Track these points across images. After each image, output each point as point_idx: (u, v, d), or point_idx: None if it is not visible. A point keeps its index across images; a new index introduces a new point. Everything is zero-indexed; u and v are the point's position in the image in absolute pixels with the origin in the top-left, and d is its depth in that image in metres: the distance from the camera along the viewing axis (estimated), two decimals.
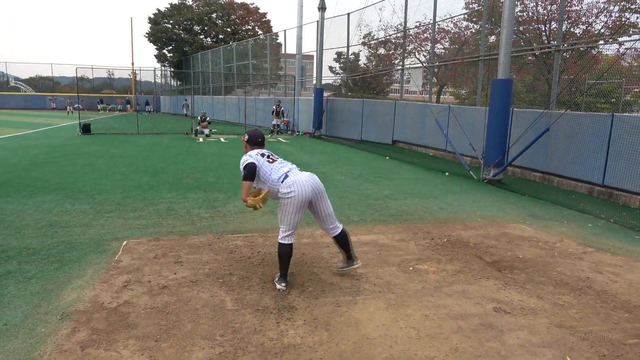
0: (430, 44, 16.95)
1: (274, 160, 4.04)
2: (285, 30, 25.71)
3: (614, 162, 8.59)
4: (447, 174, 10.96)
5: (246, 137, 4.22)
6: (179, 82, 45.09)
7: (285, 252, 3.94)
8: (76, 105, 24.98)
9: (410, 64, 18.35)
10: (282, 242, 3.94)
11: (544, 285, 4.18)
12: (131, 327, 3.21)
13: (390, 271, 4.42)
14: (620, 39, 12.04)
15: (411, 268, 4.52)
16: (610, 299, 3.90)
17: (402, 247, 5.23)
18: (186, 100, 38.77)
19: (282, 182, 3.87)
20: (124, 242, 5.13)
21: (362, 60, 22.85)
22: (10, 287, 3.87)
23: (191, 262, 4.53)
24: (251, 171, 3.86)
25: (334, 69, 25.34)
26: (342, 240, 4.19)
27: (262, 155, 4.06)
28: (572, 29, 14.12)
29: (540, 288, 4.10)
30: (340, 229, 4.17)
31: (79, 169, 10.36)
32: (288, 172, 3.95)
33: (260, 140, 4.21)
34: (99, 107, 43.57)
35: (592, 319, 3.51)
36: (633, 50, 10.49)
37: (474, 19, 16.48)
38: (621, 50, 11.40)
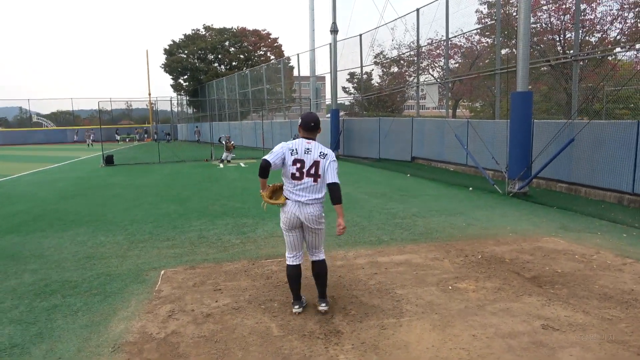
0: (443, 60, 17.05)
1: (301, 175, 3.73)
2: (298, 54, 26.19)
3: None
4: (470, 189, 10.90)
5: (299, 120, 3.94)
6: (195, 110, 45.95)
7: (287, 273, 3.95)
8: (92, 136, 25.70)
9: (424, 80, 18.46)
10: (286, 262, 3.98)
11: (588, 299, 4.12)
12: (183, 357, 3.25)
13: (429, 291, 4.40)
14: (638, 45, 11.98)
15: (450, 287, 4.50)
16: None
17: (437, 265, 5.21)
18: (197, 127, 40.20)
19: (285, 202, 3.81)
20: (162, 272, 5.21)
21: (376, 79, 23.08)
22: (59, 321, 3.96)
23: (230, 289, 4.58)
24: (262, 170, 3.75)
25: (347, 89, 25.60)
26: (319, 270, 3.96)
27: (294, 152, 3.76)
28: (587, 38, 14.10)
29: (585, 303, 4.04)
30: (322, 258, 3.99)
31: (107, 200, 10.58)
32: (291, 197, 3.77)
33: (312, 125, 3.85)
34: (117, 137, 44.54)
35: None
36: None
37: (487, 33, 16.57)
38: (639, 55, 11.34)
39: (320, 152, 3.80)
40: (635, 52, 11.74)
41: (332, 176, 3.72)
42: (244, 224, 7.62)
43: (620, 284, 4.50)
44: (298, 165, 3.74)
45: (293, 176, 3.74)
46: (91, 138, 39.62)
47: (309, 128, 3.85)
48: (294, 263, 3.93)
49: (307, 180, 3.75)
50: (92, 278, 5.09)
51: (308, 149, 3.79)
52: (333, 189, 3.68)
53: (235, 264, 5.46)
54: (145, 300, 4.37)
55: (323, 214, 3.86)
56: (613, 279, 4.63)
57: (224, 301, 4.26)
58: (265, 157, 3.75)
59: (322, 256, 4.00)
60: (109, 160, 19.90)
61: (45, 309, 4.25)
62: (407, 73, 20.36)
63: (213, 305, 4.16)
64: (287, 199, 3.79)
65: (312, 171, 3.75)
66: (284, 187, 3.85)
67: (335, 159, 3.83)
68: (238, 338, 3.50)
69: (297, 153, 3.78)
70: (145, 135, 45.63)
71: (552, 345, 3.27)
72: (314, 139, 3.87)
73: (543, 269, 5.01)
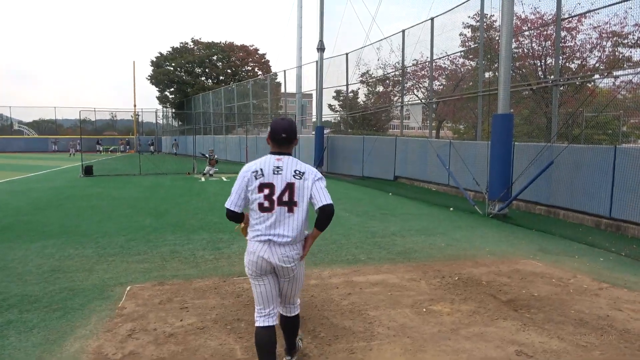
0: (428, 81, 17.23)
1: (271, 204, 2.81)
2: (285, 71, 26.27)
3: (620, 194, 8.53)
4: (451, 209, 10.88)
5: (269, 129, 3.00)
6: (180, 123, 45.66)
7: (256, 339, 2.92)
8: (78, 146, 25.22)
9: (409, 100, 18.62)
10: (255, 322, 2.98)
11: (564, 325, 4.04)
12: None
13: (403, 313, 4.28)
14: (615, 73, 12.25)
15: (425, 309, 4.38)
16: (634, 338, 3.75)
17: (413, 286, 5.10)
18: (175, 140, 41.78)
19: (250, 240, 2.92)
20: (128, 288, 5.00)
21: (361, 98, 23.23)
22: (11, 338, 3.73)
23: (197, 308, 4.39)
24: (232, 219, 3.00)
25: (333, 107, 25.70)
26: (290, 326, 3.18)
27: (258, 175, 2.83)
28: (567, 64, 14.39)
29: (561, 328, 3.95)
30: (296, 313, 3.17)
31: (82, 211, 10.28)
32: (260, 235, 2.84)
33: (284, 136, 2.88)
34: (98, 148, 43.92)
35: None
36: (629, 83, 10.63)
37: (470, 56, 16.83)
38: (616, 83, 11.58)
39: (295, 171, 2.82)
40: (612, 80, 11.99)
41: (321, 197, 2.81)
42: (220, 240, 7.43)
43: (596, 309, 4.44)
44: (266, 191, 2.81)
45: (261, 207, 2.81)
46: (76, 148, 38.98)
47: (279, 140, 2.89)
48: (266, 324, 2.92)
49: (280, 211, 2.80)
50: (54, 293, 4.85)
51: (278, 167, 2.83)
52: (326, 211, 2.80)
53: (206, 280, 5.27)
54: (107, 317, 4.16)
55: (300, 256, 2.92)
56: (589, 304, 4.57)
57: (189, 320, 4.07)
58: (226, 203, 2.92)
59: (296, 311, 3.16)
60: (88, 171, 19.51)
61: None
62: (392, 92, 20.54)
63: (177, 325, 3.97)
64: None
65: (286, 197, 2.80)
66: (250, 221, 2.93)
67: (320, 176, 2.91)
68: None
69: (262, 175, 2.83)
70: (128, 147, 45.06)
71: None
72: (287, 153, 2.92)
73: (520, 292, 4.93)
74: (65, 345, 3.58)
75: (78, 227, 8.46)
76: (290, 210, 2.81)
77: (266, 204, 2.81)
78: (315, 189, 2.83)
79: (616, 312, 4.34)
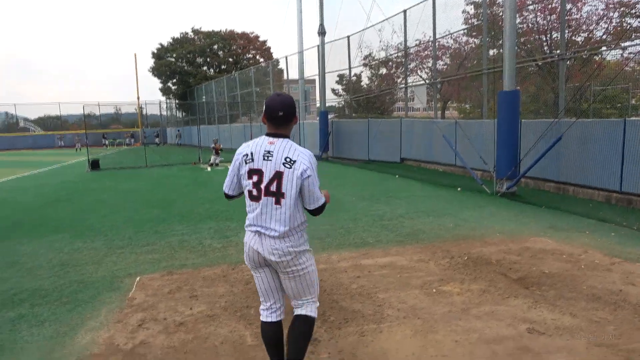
0: (431, 61, 17.00)
1: (259, 192, 2.54)
2: (286, 57, 26.02)
3: (631, 168, 8.40)
4: (459, 189, 10.79)
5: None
6: (184, 113, 45.62)
7: (262, 334, 2.79)
8: (86, 142, 25.26)
9: (413, 81, 18.40)
10: (260, 316, 2.82)
11: (576, 301, 3.99)
12: None
13: (413, 294, 4.25)
14: (623, 44, 11.99)
15: (434, 290, 4.35)
16: None
17: (422, 267, 5.07)
18: (179, 131, 42.87)
19: (245, 229, 2.69)
20: (137, 278, 5.01)
21: (365, 81, 23.00)
22: (23, 332, 3.76)
23: (206, 296, 4.40)
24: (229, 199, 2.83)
25: (336, 91, 25.49)
26: (295, 327, 2.71)
27: (248, 159, 2.58)
28: (573, 37, 14.10)
29: (572, 304, 3.91)
30: (305, 313, 2.72)
31: (90, 205, 10.33)
32: (251, 225, 2.62)
33: (280, 114, 2.54)
34: (104, 142, 44.08)
35: (632, 335, 3.31)
36: (637, 54, 10.40)
37: (474, 34, 16.55)
38: (624, 55, 11.34)
39: (286, 158, 2.49)
40: (620, 51, 11.74)
41: (310, 199, 2.54)
42: (228, 228, 7.43)
43: (609, 284, 4.38)
44: (255, 178, 2.54)
45: (250, 195, 2.57)
46: (82, 143, 39.10)
47: (276, 119, 2.55)
48: (269, 319, 2.73)
49: (267, 201, 2.52)
50: (64, 286, 4.88)
51: (269, 152, 2.52)
52: (314, 212, 2.62)
53: (215, 269, 5.27)
54: (117, 309, 4.17)
55: (302, 249, 2.60)
56: (601, 279, 4.51)
57: (199, 308, 4.07)
58: (224, 186, 2.77)
59: (309, 310, 2.72)
60: (94, 165, 19.59)
61: (10, 319, 4.04)
62: (395, 74, 20.30)
63: (187, 313, 3.97)
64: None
65: (273, 187, 2.50)
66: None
67: (312, 168, 2.51)
68: (209, 348, 3.32)
69: (252, 160, 2.56)
70: (133, 140, 45.11)
71: (537, 350, 3.13)
72: (284, 135, 2.59)
73: (530, 269, 4.88)
74: (77, 338, 3.60)
75: (86, 220, 8.49)
76: (278, 202, 2.50)
77: (254, 192, 2.55)
78: (307, 187, 2.51)
79: (629, 287, 4.28)
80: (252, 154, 2.58)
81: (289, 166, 2.49)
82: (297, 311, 2.74)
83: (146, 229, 7.60)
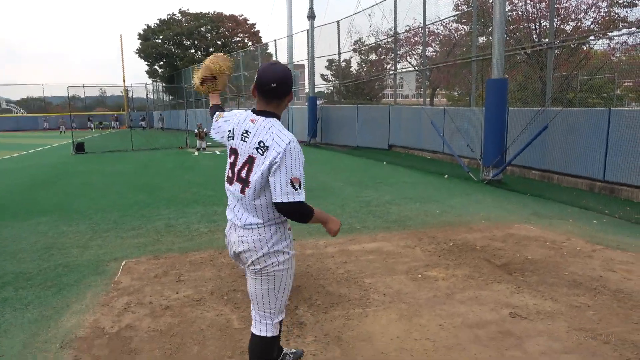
0: (421, 47, 16.96)
1: (232, 175, 2.32)
2: (275, 40, 25.72)
3: (614, 157, 8.53)
4: (446, 176, 10.87)
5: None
6: (171, 97, 45.02)
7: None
8: (72, 125, 24.82)
9: (402, 68, 18.36)
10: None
11: (557, 286, 4.07)
12: (134, 352, 3.07)
13: (398, 279, 4.30)
14: (610, 34, 12.07)
15: (420, 275, 4.40)
16: (626, 298, 3.80)
17: (408, 253, 5.12)
18: (161, 114, 43.37)
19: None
20: (123, 262, 4.98)
21: (354, 67, 22.89)
22: (7, 315, 3.73)
23: (193, 280, 4.39)
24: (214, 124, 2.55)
25: (325, 77, 25.36)
26: (253, 351, 2.42)
27: (230, 136, 2.35)
28: (562, 26, 14.16)
29: (554, 290, 3.99)
30: (264, 334, 2.37)
31: (75, 188, 10.20)
32: (227, 212, 2.41)
33: (273, 86, 2.21)
34: (89, 124, 43.39)
35: (611, 320, 3.40)
36: (624, 44, 10.49)
37: (464, 21, 16.52)
38: (611, 45, 11.43)
39: (260, 142, 2.18)
40: (608, 41, 11.83)
41: (276, 190, 2.13)
42: (215, 212, 7.40)
43: (590, 270, 4.47)
44: (232, 158, 2.32)
45: (227, 176, 2.35)
46: (66, 125, 38.42)
47: (266, 92, 2.23)
48: (253, 330, 2.43)
49: (236, 187, 2.28)
50: (48, 269, 4.83)
51: (247, 132, 2.25)
52: (282, 210, 2.18)
53: (202, 253, 5.27)
54: (102, 292, 4.15)
55: (275, 249, 2.26)
56: (583, 266, 4.61)
57: (185, 292, 4.07)
58: (217, 115, 2.57)
59: (262, 329, 2.37)
60: (79, 148, 19.29)
61: None
62: (385, 60, 20.23)
63: (173, 297, 3.97)
64: None
65: (244, 173, 2.24)
66: None
67: (286, 156, 2.14)
68: (196, 332, 3.33)
69: (232, 137, 2.32)
70: (118, 123, 44.45)
71: (519, 334, 3.20)
72: (271, 114, 2.26)
73: (514, 256, 4.96)
74: (62, 321, 3.58)
75: (71, 204, 8.39)
76: (243, 190, 2.24)
77: (229, 174, 2.33)
78: (276, 178, 2.13)
79: (610, 273, 4.38)
80: (233, 130, 2.33)
81: (261, 152, 2.18)
82: (252, 327, 2.41)
83: (132, 212, 7.54)
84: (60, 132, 38.35)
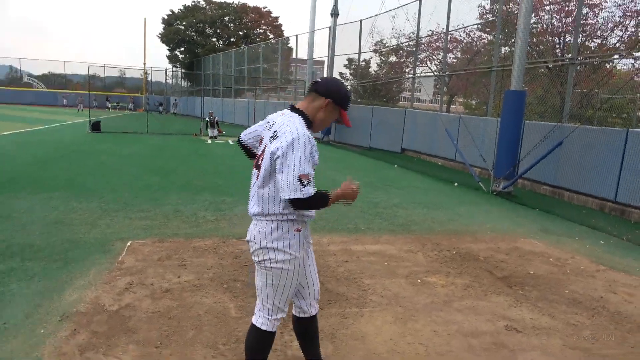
0: (442, 53, 16.86)
1: (257, 168, 2.35)
2: (297, 35, 25.78)
3: (628, 178, 8.43)
4: (455, 184, 10.83)
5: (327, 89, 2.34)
6: (189, 83, 45.33)
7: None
8: (92, 103, 25.03)
9: (421, 72, 18.27)
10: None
11: (557, 303, 4.06)
12: (132, 331, 3.13)
13: (398, 283, 4.31)
14: (636, 54, 11.90)
15: (419, 280, 4.42)
16: (625, 320, 3.77)
17: (410, 258, 5.13)
18: (175, 100, 43.85)
19: None
20: (129, 243, 5.07)
21: (373, 67, 22.83)
22: (12, 285, 3.82)
23: (195, 266, 4.45)
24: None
25: (344, 75, 25.32)
26: (247, 339, 2.46)
27: (266, 126, 2.42)
28: (586, 42, 13.98)
29: (553, 307, 3.98)
30: (254, 321, 2.42)
31: (89, 166, 10.36)
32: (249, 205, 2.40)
33: (317, 81, 2.40)
34: (107, 105, 43.86)
35: (607, 341, 3.39)
36: None
37: (487, 29, 16.39)
38: (636, 65, 11.26)
39: (275, 132, 2.24)
40: (632, 61, 11.66)
41: (283, 186, 2.14)
42: (223, 202, 7.47)
43: (591, 290, 4.45)
44: (260, 146, 2.40)
45: (255, 167, 2.40)
46: (84, 104, 38.89)
47: (309, 88, 2.42)
48: (252, 316, 2.50)
49: (254, 173, 2.37)
50: (56, 244, 4.93)
51: (274, 122, 2.35)
52: (293, 205, 2.19)
53: (206, 240, 5.33)
54: (106, 270, 4.23)
55: (273, 246, 2.27)
56: (584, 285, 4.58)
57: (187, 277, 4.13)
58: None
59: (260, 320, 2.40)
60: (95, 127, 19.54)
61: (0, 271, 4.09)
62: (404, 63, 20.16)
63: (174, 281, 4.04)
64: None
65: (260, 160, 2.32)
66: None
67: (287, 149, 2.14)
68: (193, 316, 3.39)
69: (265, 128, 2.43)
70: (133, 105, 44.86)
71: (512, 347, 3.20)
72: (301, 112, 2.32)
73: (516, 269, 4.95)
74: (64, 295, 3.66)
75: (84, 181, 8.53)
76: (257, 176, 2.31)
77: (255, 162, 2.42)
78: (281, 170, 2.15)
79: (610, 295, 4.35)
80: (268, 121, 2.43)
81: (271, 142, 2.25)
82: (253, 316, 2.46)
83: (142, 195, 7.64)
84: (78, 110, 38.84)
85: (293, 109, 2.34)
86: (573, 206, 9.25)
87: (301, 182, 2.11)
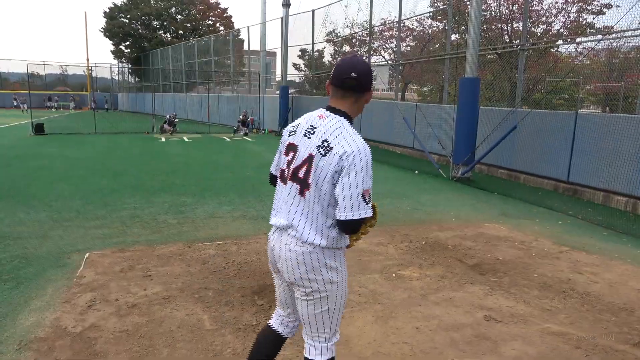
0: (395, 42, 16.98)
1: (287, 174, 2.09)
2: (248, 27, 25.23)
3: (578, 159, 8.79)
4: (416, 172, 10.96)
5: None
6: (137, 79, 43.59)
7: (258, 334, 2.44)
8: (23, 104, 23.51)
9: (375, 61, 18.35)
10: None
11: (529, 288, 4.14)
12: (99, 355, 2.90)
13: (373, 279, 4.26)
14: (578, 39, 12.43)
15: (394, 275, 4.39)
16: (594, 301, 3.89)
17: (381, 251, 5.10)
18: (105, 97, 42.19)
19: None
20: (86, 255, 4.74)
21: (327, 57, 22.73)
22: None
23: (162, 276, 4.22)
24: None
25: (298, 66, 25.09)
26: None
27: (292, 134, 2.13)
28: (532, 29, 14.46)
29: (526, 292, 4.05)
30: (310, 356, 2.15)
31: (33, 172, 9.70)
32: (273, 216, 2.15)
33: (352, 76, 1.99)
34: (48, 104, 41.46)
35: (581, 324, 3.47)
36: (590, 50, 10.80)
37: (439, 18, 16.64)
38: (578, 49, 11.76)
39: (324, 142, 1.96)
40: (575, 46, 12.16)
41: (346, 205, 1.90)
42: (183, 203, 7.19)
43: (558, 272, 4.57)
44: (290, 155, 2.08)
45: (282, 175, 2.13)
46: (26, 105, 36.57)
47: (342, 82, 2.01)
48: (275, 326, 2.31)
49: (291, 188, 2.05)
50: (4, 261, 4.54)
51: (313, 127, 2.03)
52: (347, 226, 1.95)
53: (170, 246, 5.08)
54: (64, 287, 3.93)
55: (324, 263, 2.02)
56: (551, 267, 4.70)
57: (154, 289, 3.90)
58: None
59: (316, 353, 2.14)
60: (38, 129, 18.39)
61: None
62: (359, 53, 20.16)
63: (140, 294, 3.80)
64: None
65: (302, 173, 2.01)
66: None
67: (355, 163, 1.92)
68: (165, 333, 3.19)
69: (294, 133, 2.11)
70: (73, 104, 42.59)
71: (494, 338, 3.21)
72: (344, 113, 2.04)
73: (485, 255, 5.02)
74: (19, 319, 3.35)
75: (29, 189, 7.97)
76: (302, 192, 2.00)
77: (286, 172, 2.08)
78: (340, 188, 1.91)
79: (577, 275, 4.48)
80: (298, 125, 2.11)
81: (322, 152, 1.94)
82: (305, 351, 2.18)
83: (95, 200, 7.22)
84: (22, 110, 36.50)
85: (337, 111, 2.04)
86: (529, 188, 9.56)
87: (364, 199, 1.91)
